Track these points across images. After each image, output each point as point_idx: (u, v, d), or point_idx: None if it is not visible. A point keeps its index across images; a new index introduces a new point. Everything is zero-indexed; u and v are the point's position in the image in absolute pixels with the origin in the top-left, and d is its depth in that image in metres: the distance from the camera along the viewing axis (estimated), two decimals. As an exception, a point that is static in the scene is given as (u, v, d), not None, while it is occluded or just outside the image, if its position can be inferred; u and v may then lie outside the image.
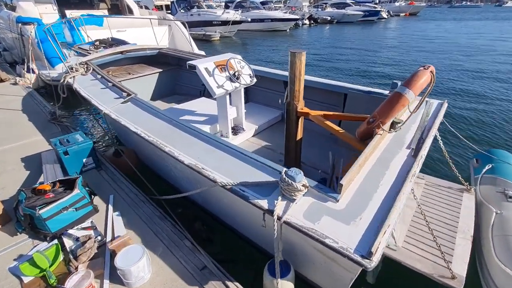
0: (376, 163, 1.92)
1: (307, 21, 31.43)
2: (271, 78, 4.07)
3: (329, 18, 32.52)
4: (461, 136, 3.19)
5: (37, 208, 2.05)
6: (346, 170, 1.71)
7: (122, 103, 3.06)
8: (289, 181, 1.58)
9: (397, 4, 45.37)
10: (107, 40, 5.69)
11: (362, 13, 32.11)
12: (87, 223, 2.30)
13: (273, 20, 24.26)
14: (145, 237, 2.22)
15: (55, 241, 2.11)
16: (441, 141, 2.68)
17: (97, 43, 5.47)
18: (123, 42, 5.67)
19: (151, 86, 5.23)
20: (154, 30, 8.50)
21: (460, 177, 2.82)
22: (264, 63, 12.03)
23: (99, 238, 2.16)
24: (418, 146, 2.01)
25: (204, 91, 5.20)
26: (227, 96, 3.25)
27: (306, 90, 2.73)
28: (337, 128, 2.47)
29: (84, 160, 2.98)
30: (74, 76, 3.82)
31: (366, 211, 1.52)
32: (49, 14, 8.29)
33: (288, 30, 25.36)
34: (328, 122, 2.52)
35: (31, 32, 6.45)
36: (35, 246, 2.13)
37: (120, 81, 4.66)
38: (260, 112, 4.13)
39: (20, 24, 6.80)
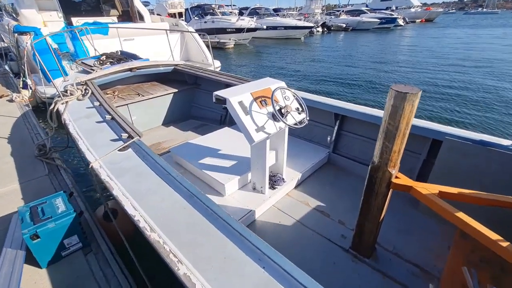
0: None
1: (320, 29, 30.57)
2: (318, 109, 3.08)
3: (344, 25, 31.57)
4: None
5: None
6: None
7: (120, 150, 2.09)
8: None
9: (413, 10, 44.13)
10: (115, 54, 4.83)
11: (378, 20, 31.09)
12: None
13: (287, 28, 23.48)
14: None
15: None
16: None
17: (103, 57, 4.61)
18: (134, 57, 4.80)
19: (163, 109, 4.31)
20: (168, 39, 7.72)
21: None
22: (279, 73, 11.12)
23: None
24: None
25: (226, 117, 4.25)
26: (267, 140, 2.27)
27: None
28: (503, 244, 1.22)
29: (64, 241, 2.03)
30: (66, 102, 2.92)
31: None
32: (54, 22, 7.60)
33: (302, 38, 24.50)
34: (466, 219, 1.44)
35: (26, 43, 5.69)
36: None
37: (127, 104, 3.78)
38: (302, 152, 3.12)
39: (16, 34, 6.06)
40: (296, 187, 2.76)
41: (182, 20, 19.31)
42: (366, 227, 1.94)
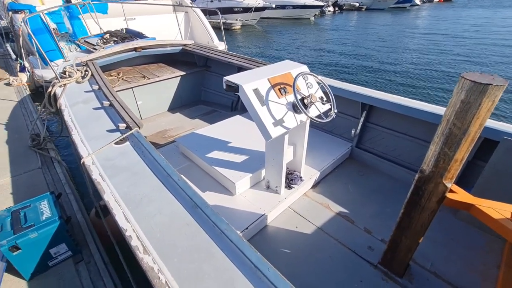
0: None
1: (331, 8, 28.91)
2: (342, 97, 2.66)
3: (357, 4, 29.80)
4: None
5: None
6: None
7: (116, 143, 1.78)
8: None
9: (431, -11, 41.28)
10: (120, 33, 4.45)
11: (395, -1, 29.18)
12: None
13: (295, 7, 22.15)
14: None
15: None
16: None
17: (107, 36, 4.23)
18: (140, 35, 4.42)
19: (171, 93, 3.98)
20: (170, 17, 7.21)
21: None
22: (288, 57, 10.49)
23: None
24: None
25: (238, 103, 3.89)
26: (286, 135, 1.91)
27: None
28: None
29: (50, 250, 1.78)
30: (65, 85, 2.60)
31: None
32: (52, 0, 7.14)
33: (312, 18, 23.22)
34: None
35: (21, 22, 5.30)
36: None
37: (132, 87, 3.45)
38: (322, 146, 2.76)
39: (10, 13, 5.67)
40: (314, 186, 2.44)
41: (187, -2, 18.44)
42: (403, 244, 1.61)
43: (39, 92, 5.74)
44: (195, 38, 8.69)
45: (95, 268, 1.86)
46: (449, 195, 1.34)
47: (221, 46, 8.00)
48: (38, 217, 1.77)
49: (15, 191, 2.57)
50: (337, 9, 29.84)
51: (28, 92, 5.28)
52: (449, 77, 8.09)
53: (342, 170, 2.64)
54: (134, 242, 1.15)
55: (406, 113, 2.26)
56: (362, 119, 2.66)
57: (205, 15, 8.37)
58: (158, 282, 1.00)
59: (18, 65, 5.74)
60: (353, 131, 2.65)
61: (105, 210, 2.09)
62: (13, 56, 7.94)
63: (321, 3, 23.13)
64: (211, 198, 2.12)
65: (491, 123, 1.94)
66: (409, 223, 1.53)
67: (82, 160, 1.64)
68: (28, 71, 5.64)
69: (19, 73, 5.61)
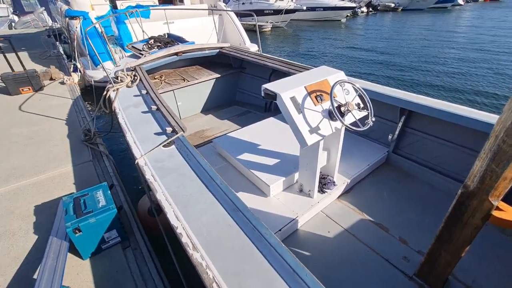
0: None
1: (364, 9, 27.95)
2: (379, 101, 2.60)
3: (392, 5, 28.52)
4: None
5: None
6: None
7: (164, 146, 1.96)
8: None
9: (476, -13, 38.17)
10: (163, 38, 4.78)
11: (435, -2, 27.44)
12: None
13: (326, 8, 21.74)
14: None
15: None
16: None
17: (152, 41, 4.58)
18: (180, 40, 4.73)
19: (207, 94, 4.22)
20: (205, 20, 7.50)
21: None
22: (317, 58, 10.36)
23: None
24: None
25: (271, 104, 3.98)
26: (321, 142, 1.95)
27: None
28: None
29: (104, 234, 2.00)
30: (117, 89, 2.89)
31: None
32: (101, 6, 7.81)
33: (343, 20, 22.65)
34: None
35: (76, 27, 5.88)
36: None
37: (173, 90, 3.71)
38: (356, 150, 2.73)
39: (67, 19, 6.30)
40: (348, 191, 2.43)
41: (220, 1, 18.98)
42: (442, 258, 1.59)
43: (88, 91, 6.31)
44: (228, 39, 8.96)
45: (141, 255, 2.05)
46: (495, 213, 1.30)
47: (253, 48, 8.18)
48: (95, 204, 2.00)
49: (71, 180, 2.90)
50: (370, 10, 28.81)
51: (79, 90, 5.83)
52: (496, 83, 7.49)
53: (377, 176, 2.59)
54: (184, 239, 1.27)
55: (451, 120, 2.16)
56: (400, 124, 2.57)
57: (237, 16, 8.59)
58: (206, 277, 1.11)
59: (72, 65, 6.36)
60: (390, 136, 2.59)
61: (157, 209, 2.30)
62: (64, 57, 8.79)
63: (352, 5, 22.47)
64: (246, 198, 2.22)
65: None
66: (450, 237, 1.50)
67: (136, 161, 1.83)
68: (80, 71, 6.23)
69: (72, 73, 6.22)
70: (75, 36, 5.83)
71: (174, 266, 1.88)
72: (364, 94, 2.00)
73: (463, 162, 2.31)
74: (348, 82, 2.02)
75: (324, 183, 2.33)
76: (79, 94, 5.56)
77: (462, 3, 31.17)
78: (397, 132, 2.60)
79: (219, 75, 4.11)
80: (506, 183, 1.21)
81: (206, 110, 4.23)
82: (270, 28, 17.92)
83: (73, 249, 2.00)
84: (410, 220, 2.11)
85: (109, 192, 2.15)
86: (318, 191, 2.27)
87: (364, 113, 2.01)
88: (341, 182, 2.37)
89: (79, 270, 1.95)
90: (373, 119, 1.94)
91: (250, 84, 4.32)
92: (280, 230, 1.94)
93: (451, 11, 26.76)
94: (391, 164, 2.71)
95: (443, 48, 11.79)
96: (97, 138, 3.70)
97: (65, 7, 7.10)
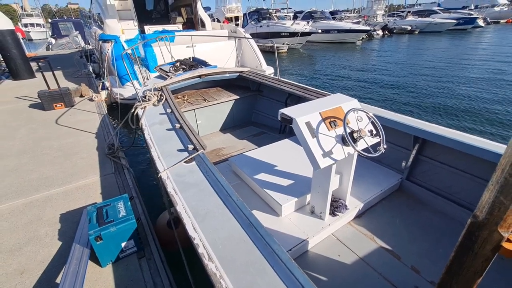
0: None
1: (380, 32, 28.34)
2: (393, 129, 2.65)
3: (409, 28, 28.74)
4: None
5: None
6: None
7: (185, 162, 2.10)
8: None
9: (497, 9, 37.87)
10: (188, 61, 5.18)
11: (455, 21, 27.37)
12: None
13: (340, 31, 22.29)
14: None
15: None
16: None
17: (178, 64, 4.98)
18: (204, 64, 5.11)
19: (225, 114, 4.46)
20: (224, 44, 7.93)
21: None
22: (330, 80, 10.51)
23: None
24: None
25: (286, 126, 4.12)
26: (334, 165, 2.01)
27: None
28: None
29: (122, 244, 2.13)
30: (145, 107, 3.14)
31: None
32: (130, 30, 8.51)
33: (358, 42, 23.01)
34: None
35: (108, 49, 6.44)
36: None
37: (194, 109, 3.96)
38: (369, 175, 2.75)
39: (100, 42, 6.93)
40: (360, 216, 2.43)
41: (238, 24, 19.96)
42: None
43: (113, 108, 6.76)
44: (245, 62, 9.39)
45: (154, 265, 2.14)
46: (505, 245, 1.30)
47: (269, 70, 8.51)
48: (116, 214, 2.15)
49: (96, 190, 3.10)
50: (386, 32, 29.14)
51: (105, 107, 6.27)
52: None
53: (390, 202, 2.58)
54: (200, 250, 1.36)
55: (463, 150, 2.16)
56: (414, 152, 2.60)
57: (254, 38, 9.01)
58: (219, 287, 1.18)
59: (101, 84, 6.88)
60: (403, 163, 2.60)
61: (176, 222, 2.43)
62: (93, 76, 9.52)
63: (366, 28, 22.92)
64: (258, 216, 2.27)
65: None
66: (460, 268, 1.48)
67: (159, 174, 1.97)
68: (107, 89, 6.73)
69: (100, 91, 6.72)
70: (106, 58, 6.37)
71: (188, 281, 1.96)
72: (377, 122, 2.07)
73: (476, 192, 2.27)
74: (362, 110, 2.10)
75: (336, 206, 2.36)
76: (105, 110, 5.98)
77: (483, 24, 30.88)
78: (410, 160, 2.62)
79: (238, 97, 4.34)
80: (513, 212, 1.23)
81: (224, 129, 4.43)
82: (286, 50, 18.53)
83: (93, 257, 2.13)
84: (422, 248, 2.08)
85: (129, 203, 2.30)
86: (330, 214, 2.30)
87: (376, 139, 2.06)
88: (353, 206, 2.39)
89: (98, 277, 2.06)
90: (385, 146, 1.99)
91: (266, 106, 4.52)
92: (290, 250, 1.98)
93: (472, 33, 26.39)
94: (404, 191, 2.70)
95: (460, 71, 11.63)
96: (120, 151, 3.94)
97: (99, 31, 7.83)
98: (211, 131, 4.33)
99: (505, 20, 36.89)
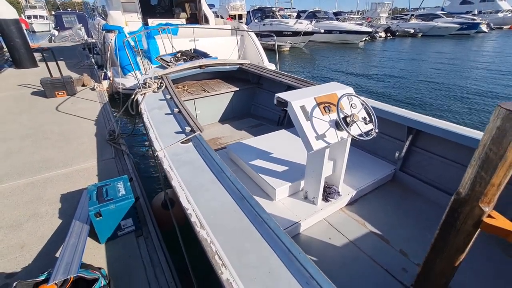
0: None
1: (383, 34, 28.39)
2: (388, 120, 2.73)
3: (412, 31, 28.78)
4: None
5: None
6: None
7: (182, 142, 2.17)
8: None
9: (500, 15, 37.87)
10: (189, 52, 5.23)
11: (458, 25, 27.40)
12: None
13: (342, 32, 22.34)
14: None
15: None
16: None
17: (179, 54, 5.03)
18: (205, 55, 5.16)
19: (225, 106, 4.51)
20: (227, 39, 7.98)
21: None
22: (330, 79, 10.57)
23: None
24: None
25: (284, 118, 4.18)
26: (327, 149, 2.09)
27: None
28: None
29: (121, 222, 2.19)
30: (144, 93, 3.20)
31: None
32: (134, 22, 8.56)
33: (360, 43, 23.05)
34: None
35: (111, 39, 6.49)
36: None
37: (194, 99, 4.01)
38: (363, 165, 2.82)
39: (104, 32, 6.98)
40: (352, 203, 2.50)
41: (241, 22, 20.01)
42: (437, 267, 1.62)
43: (114, 98, 6.82)
44: (247, 58, 9.44)
45: (151, 244, 2.21)
46: (486, 220, 1.37)
47: (271, 67, 8.57)
48: (116, 193, 2.21)
49: (94, 174, 3.16)
50: (389, 35, 29.17)
51: (107, 96, 6.32)
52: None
53: (383, 192, 2.65)
54: (193, 219, 1.43)
55: (458, 141, 2.23)
56: (407, 143, 2.66)
57: (257, 36, 9.07)
58: (209, 250, 1.25)
59: (103, 74, 6.94)
60: (397, 154, 2.66)
61: (172, 202, 2.49)
62: (95, 67, 9.58)
63: (368, 30, 22.96)
64: None
65: None
66: (444, 245, 1.55)
67: (156, 153, 2.04)
68: (109, 79, 6.78)
69: (102, 81, 6.77)
70: (110, 48, 6.42)
71: (183, 258, 2.02)
72: (369, 107, 2.13)
73: None
74: (355, 96, 2.17)
75: (329, 192, 2.42)
76: (107, 99, 6.03)
77: (486, 30, 30.93)
78: (404, 151, 2.68)
79: (238, 89, 4.39)
80: (494, 189, 1.29)
81: (222, 120, 4.49)
82: (288, 48, 18.58)
83: (92, 234, 2.19)
84: (412, 234, 2.15)
85: (129, 184, 2.36)
86: (323, 200, 2.36)
87: (369, 126, 2.13)
88: (346, 193, 2.45)
89: (96, 253, 2.13)
90: (377, 130, 2.06)
91: (265, 99, 4.57)
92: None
93: (475, 38, 26.41)
94: (397, 181, 2.77)
95: (461, 75, 11.70)
96: (120, 138, 4.00)
97: (102, 22, 7.87)
98: (210, 122, 4.39)
99: (508, 26, 36.93)
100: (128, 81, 6.32)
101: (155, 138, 2.22)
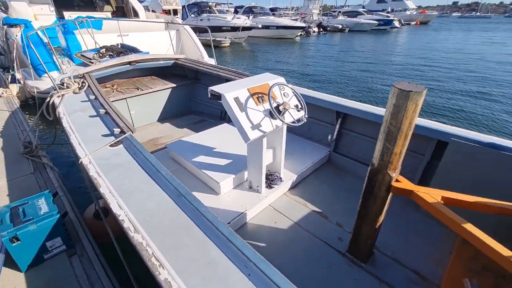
0: None
1: (316, 29, 30.62)
2: (319, 106, 2.98)
3: (340, 26, 31.70)
4: None
5: None
6: None
7: (111, 145, 1.98)
8: None
9: (408, 12, 44.56)
10: (116, 47, 4.70)
11: (377, 22, 31.30)
12: None
13: (279, 27, 23.37)
14: None
15: None
16: None
17: (103, 50, 4.48)
18: (135, 50, 4.70)
19: (163, 104, 4.23)
20: (162, 34, 7.54)
21: None
22: (272, 71, 11.05)
23: None
24: None
25: (226, 113, 4.17)
26: (264, 138, 2.18)
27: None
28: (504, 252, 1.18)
29: (47, 243, 1.92)
30: (62, 95, 2.79)
31: None
32: (45, 16, 7.38)
33: (296, 38, 24.45)
34: (469, 227, 1.36)
35: (16, 35, 5.49)
36: None
37: (126, 98, 3.66)
38: (301, 150, 3.03)
39: (5, 27, 5.85)
40: (294, 187, 2.67)
41: (177, 17, 19.09)
42: (363, 231, 1.87)
43: (29, 104, 5.84)
44: (186, 54, 9.07)
45: (88, 260, 1.99)
46: (394, 184, 1.62)
47: (211, 62, 8.42)
48: (36, 212, 1.91)
49: (9, 194, 2.67)
50: (321, 30, 31.57)
51: (18, 103, 5.36)
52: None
53: (320, 173, 2.90)
54: (126, 224, 1.34)
55: (374, 119, 2.54)
56: (337, 126, 2.94)
57: (195, 32, 8.79)
58: (146, 254, 1.20)
59: (10, 76, 5.84)
60: (329, 137, 2.92)
61: (105, 211, 2.26)
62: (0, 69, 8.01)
63: (303, 25, 24.60)
64: (198, 197, 2.32)
65: (442, 126, 2.20)
66: (366, 212, 1.79)
67: (80, 160, 1.83)
68: (19, 83, 5.75)
69: (10, 85, 5.70)
70: (15, 45, 5.42)
71: (124, 270, 1.88)
72: (299, 95, 2.29)
73: None
74: (286, 85, 2.30)
75: (272, 179, 2.54)
76: (18, 106, 5.12)
77: (398, 26, 35.95)
78: (335, 133, 2.94)
79: (175, 85, 4.20)
80: (397, 157, 1.54)
81: (162, 119, 4.25)
82: (228, 44, 18.51)
83: (9, 263, 1.87)
84: (345, 208, 2.40)
85: (52, 199, 2.08)
86: (266, 187, 2.47)
87: (302, 113, 2.28)
88: (287, 178, 2.60)
89: (17, 283, 1.82)
90: (306, 115, 2.23)
91: (205, 94, 4.45)
92: (229, 223, 2.07)
93: (390, 32, 30.73)
94: (332, 162, 3.05)
95: (380, 60, 13.47)
96: (39, 150, 3.46)
97: (3, 15, 6.57)
98: (147, 122, 4.11)
99: (415, 22, 43.73)
100: (44, 83, 5.46)
101: (77, 144, 1.98)
